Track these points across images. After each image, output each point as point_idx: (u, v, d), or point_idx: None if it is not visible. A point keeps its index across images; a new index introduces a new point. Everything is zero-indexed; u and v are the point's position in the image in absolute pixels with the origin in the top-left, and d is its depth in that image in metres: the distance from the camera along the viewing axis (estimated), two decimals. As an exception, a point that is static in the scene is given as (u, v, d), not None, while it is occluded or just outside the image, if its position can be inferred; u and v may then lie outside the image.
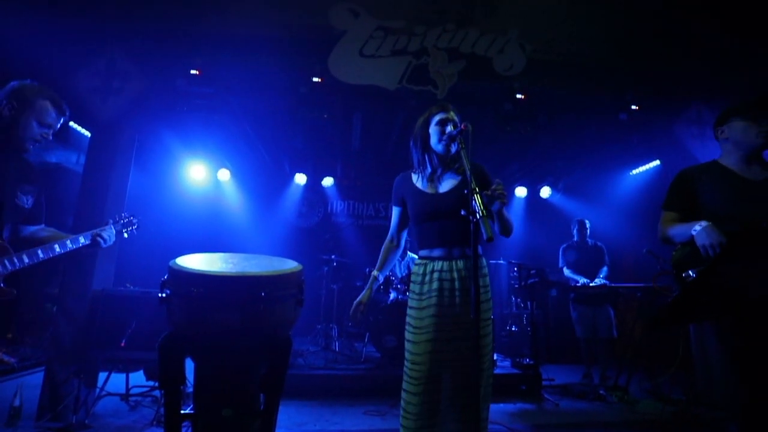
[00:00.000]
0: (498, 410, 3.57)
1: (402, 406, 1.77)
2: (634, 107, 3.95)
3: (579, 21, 3.86)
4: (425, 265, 1.86)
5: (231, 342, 1.38)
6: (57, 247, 1.78)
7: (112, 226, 2.07)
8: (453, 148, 1.90)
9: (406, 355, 1.80)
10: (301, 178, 6.54)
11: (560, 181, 6.74)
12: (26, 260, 1.68)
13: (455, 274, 1.80)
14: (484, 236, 1.30)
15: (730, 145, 1.90)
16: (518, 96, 3.78)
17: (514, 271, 5.09)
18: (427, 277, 1.83)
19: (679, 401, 3.71)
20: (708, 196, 1.85)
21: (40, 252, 1.72)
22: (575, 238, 4.86)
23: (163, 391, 1.39)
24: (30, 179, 1.83)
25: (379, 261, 2.05)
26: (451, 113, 1.91)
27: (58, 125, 1.84)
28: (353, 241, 6.39)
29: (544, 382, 4.24)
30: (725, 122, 1.91)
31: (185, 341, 1.39)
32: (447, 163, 1.94)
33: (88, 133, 4.33)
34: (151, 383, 3.51)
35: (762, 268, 1.13)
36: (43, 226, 1.95)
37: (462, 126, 1.69)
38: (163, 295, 1.41)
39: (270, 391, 1.50)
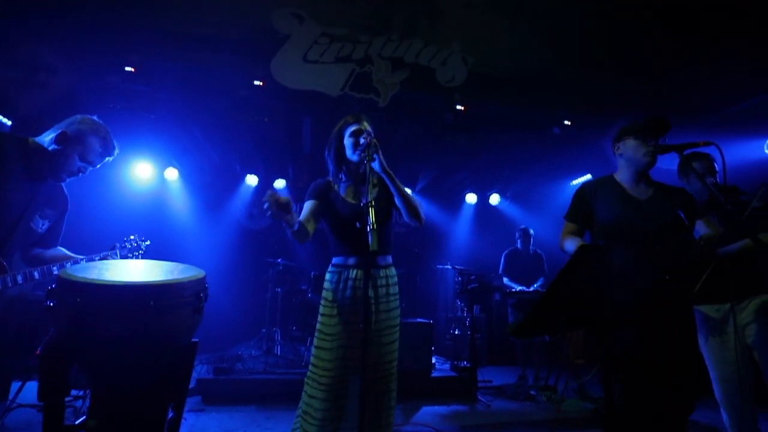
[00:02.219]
0: (430, 412, 3.67)
1: (303, 411, 1.79)
2: (566, 122, 4.18)
3: (518, 38, 4.05)
4: (339, 273, 1.90)
5: (120, 353, 1.36)
6: (55, 269, 1.71)
7: (118, 251, 1.94)
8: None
9: (314, 360, 1.83)
10: (252, 180, 6.43)
11: (508, 189, 7.00)
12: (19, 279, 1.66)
13: (368, 283, 1.85)
14: (370, 248, 1.37)
15: (623, 161, 2.02)
16: (458, 107, 3.91)
17: (461, 276, 5.24)
18: (341, 285, 1.87)
19: (599, 399, 3.96)
20: (602, 210, 1.98)
21: (35, 273, 1.67)
22: (518, 246, 5.07)
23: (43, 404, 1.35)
24: (54, 205, 1.83)
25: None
26: (364, 124, 1.96)
27: (100, 163, 1.84)
28: (302, 245, 6.36)
29: (480, 384, 4.39)
30: (620, 140, 2.01)
31: (70, 351, 1.36)
32: (363, 174, 1.99)
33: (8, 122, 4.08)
34: (74, 392, 3.35)
35: (615, 282, 1.23)
36: (54, 249, 1.89)
37: (367, 139, 1.75)
38: (50, 304, 1.37)
39: (166, 401, 1.49)
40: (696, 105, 4.30)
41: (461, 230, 7.12)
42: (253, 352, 4.74)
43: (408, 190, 1.87)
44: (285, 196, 1.60)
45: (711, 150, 1.86)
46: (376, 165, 1.73)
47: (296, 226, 1.74)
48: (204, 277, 1.60)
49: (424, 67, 3.91)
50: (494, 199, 7.10)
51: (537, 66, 4.11)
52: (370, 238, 1.39)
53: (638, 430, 1.81)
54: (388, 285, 1.89)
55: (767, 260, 2.34)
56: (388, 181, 1.78)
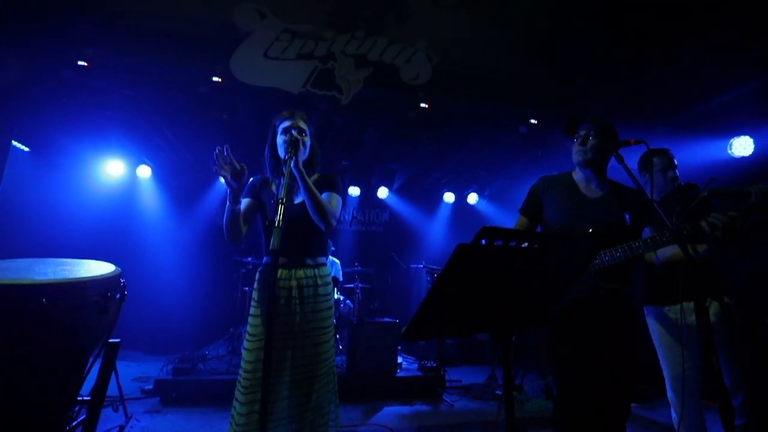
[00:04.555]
0: (391, 413, 3.64)
1: (231, 416, 1.76)
2: (533, 121, 4.17)
3: (483, 37, 4.03)
4: (266, 272, 1.88)
5: (11, 355, 1.31)
6: None
7: None
8: (301, 157, 1.91)
9: (241, 363, 1.80)
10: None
11: (486, 188, 7.00)
12: None
13: (293, 283, 1.83)
14: (271, 245, 1.34)
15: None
16: (422, 105, 3.88)
17: (432, 275, 5.21)
18: (266, 284, 1.84)
19: (563, 399, 3.96)
20: (549, 206, 2.00)
21: None
22: (485, 244, 5.06)
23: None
24: None
25: None
26: (297, 119, 1.93)
27: None
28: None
29: (449, 384, 4.38)
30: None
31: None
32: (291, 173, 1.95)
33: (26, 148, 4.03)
34: None
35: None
36: None
37: (289, 136, 1.73)
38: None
39: (67, 404, 1.44)
40: (660, 105, 4.31)
41: (438, 230, 7.12)
42: (220, 351, 4.69)
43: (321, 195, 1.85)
44: (241, 164, 1.61)
45: (643, 148, 1.84)
46: (292, 162, 1.69)
47: (239, 207, 1.76)
48: (115, 276, 1.55)
49: (388, 64, 3.88)
50: (472, 198, 7.10)
51: (504, 65, 4.09)
52: (272, 236, 1.36)
53: (574, 425, 1.82)
54: (316, 285, 1.86)
55: (722, 262, 2.36)
56: (299, 180, 1.75)
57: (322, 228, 1.84)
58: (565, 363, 1.83)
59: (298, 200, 1.93)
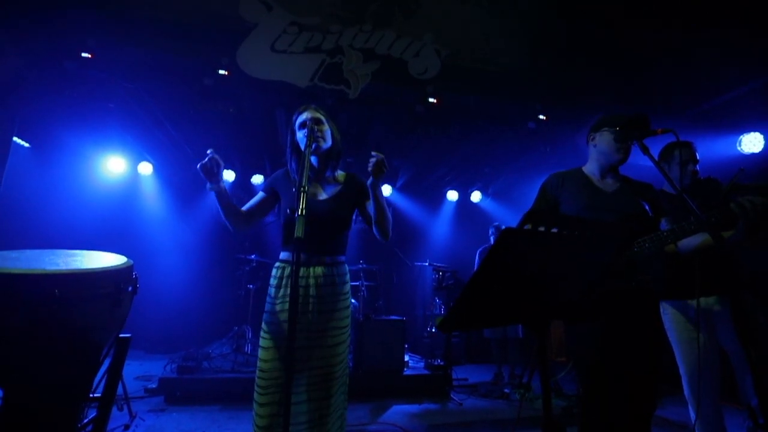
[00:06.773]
0: (400, 411, 3.59)
1: (253, 420, 1.70)
2: (542, 117, 4.13)
3: (493, 31, 3.99)
4: (283, 268, 1.81)
5: (21, 347, 1.25)
6: None
7: None
8: (323, 146, 1.86)
9: (258, 363, 1.73)
10: (229, 175, 6.31)
11: (490, 186, 6.95)
12: None
13: (311, 281, 1.76)
14: (295, 234, 1.28)
15: (596, 153, 1.94)
16: (431, 100, 3.83)
17: (438, 273, 5.17)
18: (284, 281, 1.78)
19: (572, 396, 3.92)
20: (566, 202, 1.95)
21: None
22: (492, 243, 5.02)
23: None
24: None
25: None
26: (312, 111, 1.87)
27: None
28: (276, 239, 6.27)
29: (456, 382, 4.34)
30: (598, 130, 1.93)
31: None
32: (322, 168, 1.90)
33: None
34: None
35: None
36: None
37: (306, 126, 1.69)
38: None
39: (79, 398, 1.38)
40: (669, 101, 4.28)
41: (442, 227, 7.07)
42: (224, 350, 4.62)
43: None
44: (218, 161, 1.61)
45: (671, 137, 1.79)
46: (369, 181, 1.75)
47: (216, 186, 1.66)
48: (127, 268, 1.49)
49: (396, 59, 3.82)
50: (475, 196, 7.05)
51: (513, 60, 4.04)
52: (296, 224, 1.30)
53: (602, 426, 1.77)
54: (335, 284, 1.79)
55: (739, 256, 2.32)
56: (371, 197, 1.78)
57: (381, 239, 1.87)
58: (594, 360, 1.76)
59: (323, 197, 1.87)
